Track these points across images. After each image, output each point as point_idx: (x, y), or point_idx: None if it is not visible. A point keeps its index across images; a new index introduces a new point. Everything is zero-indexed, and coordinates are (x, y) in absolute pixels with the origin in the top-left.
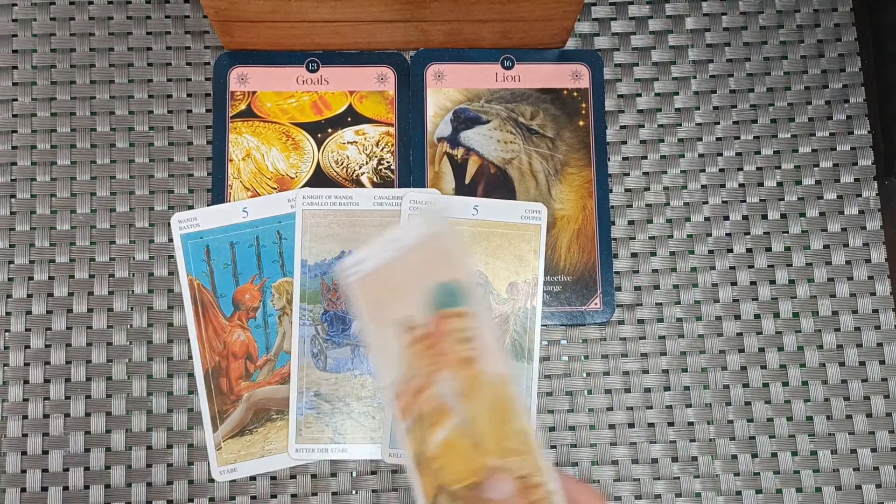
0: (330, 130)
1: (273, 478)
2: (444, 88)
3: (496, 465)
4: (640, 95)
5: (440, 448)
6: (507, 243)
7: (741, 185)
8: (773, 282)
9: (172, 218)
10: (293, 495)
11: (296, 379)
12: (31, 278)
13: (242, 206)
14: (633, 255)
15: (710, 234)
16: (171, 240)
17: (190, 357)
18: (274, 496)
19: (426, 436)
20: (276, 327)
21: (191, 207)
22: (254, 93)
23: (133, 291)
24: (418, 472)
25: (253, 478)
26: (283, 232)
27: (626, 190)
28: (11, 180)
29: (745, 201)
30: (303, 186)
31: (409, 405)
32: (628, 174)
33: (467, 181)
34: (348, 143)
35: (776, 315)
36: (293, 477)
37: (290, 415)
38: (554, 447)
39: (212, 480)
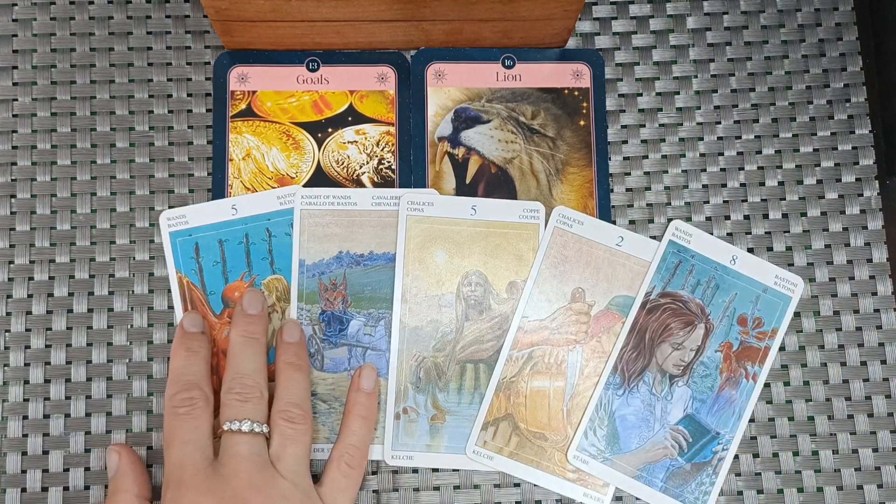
0: (330, 130)
1: None
2: (445, 88)
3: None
4: (640, 95)
5: (532, 392)
6: (505, 243)
7: (742, 185)
8: None
9: (161, 216)
10: None
11: None
12: (31, 278)
13: (231, 204)
14: None
15: (711, 234)
16: (158, 239)
17: None
18: None
19: (525, 374)
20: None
21: None
22: (254, 92)
23: (133, 291)
24: (495, 392)
25: None
26: (272, 229)
27: (628, 189)
28: (11, 180)
29: (746, 201)
30: (303, 186)
31: (527, 341)
32: (629, 173)
33: (468, 181)
34: (349, 142)
35: None
36: None
37: None
38: None
39: None
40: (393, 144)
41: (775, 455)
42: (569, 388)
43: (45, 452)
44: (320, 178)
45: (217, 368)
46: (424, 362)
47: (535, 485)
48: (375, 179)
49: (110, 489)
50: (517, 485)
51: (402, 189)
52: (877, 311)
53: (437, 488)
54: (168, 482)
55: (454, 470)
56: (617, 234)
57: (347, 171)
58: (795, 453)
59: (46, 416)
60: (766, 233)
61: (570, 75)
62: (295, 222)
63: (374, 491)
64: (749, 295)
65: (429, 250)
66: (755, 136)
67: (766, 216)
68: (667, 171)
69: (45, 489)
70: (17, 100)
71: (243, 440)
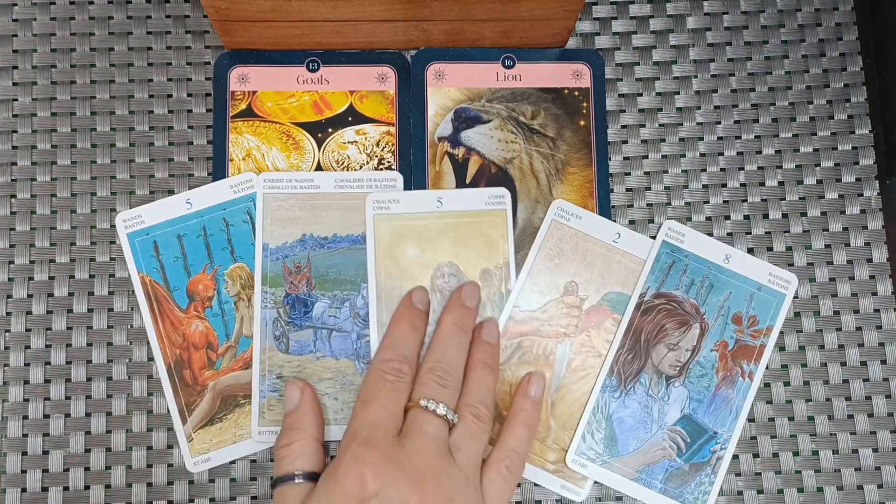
0: (330, 130)
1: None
2: (445, 88)
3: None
4: (640, 95)
5: (518, 381)
6: (475, 231)
7: (742, 185)
8: None
9: (116, 218)
10: None
11: (258, 362)
12: (31, 278)
13: (186, 198)
14: None
15: (711, 234)
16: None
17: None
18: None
19: (512, 363)
20: (234, 313)
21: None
22: (254, 92)
23: (133, 291)
24: None
25: (254, 478)
26: (228, 218)
27: (628, 189)
28: (11, 180)
29: (746, 201)
30: None
31: (517, 331)
32: (629, 174)
33: (468, 181)
34: (349, 142)
35: None
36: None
37: (252, 398)
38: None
39: (212, 480)
40: (393, 144)
41: (775, 455)
42: (555, 380)
43: (45, 452)
44: None
45: (189, 363)
46: None
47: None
48: None
49: (286, 424)
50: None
51: (363, 172)
52: (877, 311)
53: None
54: (355, 436)
55: None
56: (614, 231)
57: (347, 171)
58: (795, 453)
59: (46, 416)
60: (766, 233)
61: (570, 75)
62: (258, 206)
63: None
64: (743, 293)
65: (399, 247)
66: (755, 136)
67: (766, 216)
68: (667, 171)
69: (45, 489)
70: (17, 100)
71: (433, 421)
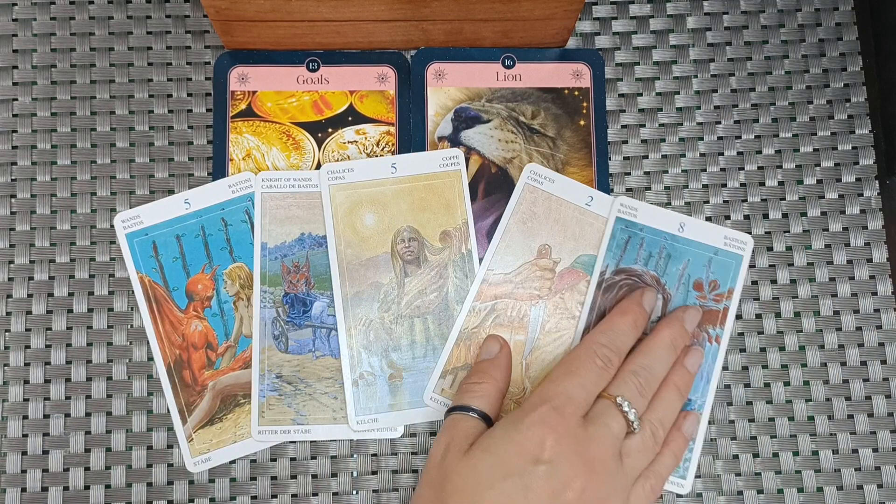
0: (330, 130)
1: (274, 478)
2: (445, 87)
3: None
4: (640, 95)
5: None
6: (431, 194)
7: (742, 185)
8: (774, 281)
9: (115, 218)
10: (294, 495)
11: (257, 362)
12: (31, 278)
13: (184, 198)
14: None
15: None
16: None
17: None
18: (275, 496)
19: (486, 326)
20: (233, 313)
21: None
22: (254, 92)
23: (132, 291)
24: (455, 342)
25: (254, 478)
26: (227, 218)
27: (628, 189)
28: (11, 180)
29: (746, 201)
30: None
31: (491, 294)
32: (629, 174)
33: (468, 181)
34: (349, 142)
35: (777, 315)
36: (294, 477)
37: (252, 397)
38: None
39: (212, 480)
40: (393, 144)
41: (775, 455)
42: (529, 343)
43: (45, 452)
44: None
45: (189, 363)
46: (372, 325)
47: None
48: None
49: (479, 368)
50: None
51: None
52: (877, 311)
53: None
54: (548, 399)
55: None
56: (587, 194)
57: None
58: (795, 453)
59: (46, 416)
60: (766, 233)
61: (570, 75)
62: (256, 206)
63: (374, 491)
64: (701, 259)
65: (357, 215)
66: (755, 136)
67: (766, 216)
68: (667, 171)
69: (45, 489)
70: (17, 100)
71: (620, 421)
